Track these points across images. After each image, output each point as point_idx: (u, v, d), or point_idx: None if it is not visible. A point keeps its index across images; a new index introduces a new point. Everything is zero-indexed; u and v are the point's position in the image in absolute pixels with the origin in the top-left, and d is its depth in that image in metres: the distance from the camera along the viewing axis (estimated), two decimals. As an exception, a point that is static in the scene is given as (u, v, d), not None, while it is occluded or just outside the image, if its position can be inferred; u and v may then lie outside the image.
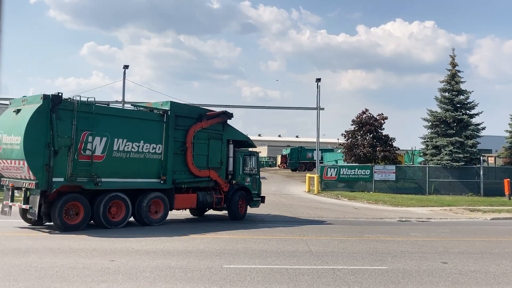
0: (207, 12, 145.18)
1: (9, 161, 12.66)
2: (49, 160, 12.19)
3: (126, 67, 29.86)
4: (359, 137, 33.42)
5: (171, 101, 15.36)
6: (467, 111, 31.55)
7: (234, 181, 17.15)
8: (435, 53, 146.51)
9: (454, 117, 30.71)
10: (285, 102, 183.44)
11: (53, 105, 12.26)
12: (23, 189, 12.70)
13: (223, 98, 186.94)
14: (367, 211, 21.02)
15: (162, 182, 14.70)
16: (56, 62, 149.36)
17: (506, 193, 26.83)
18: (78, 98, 12.90)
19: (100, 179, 13.17)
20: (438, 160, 30.34)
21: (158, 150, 14.61)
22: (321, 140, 33.46)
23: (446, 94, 31.84)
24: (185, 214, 17.61)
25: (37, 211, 12.36)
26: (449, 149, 29.79)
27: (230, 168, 16.97)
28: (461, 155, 29.50)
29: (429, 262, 10.10)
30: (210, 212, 17.92)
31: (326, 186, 29.28)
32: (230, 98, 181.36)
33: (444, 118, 30.97)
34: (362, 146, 32.36)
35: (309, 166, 54.00)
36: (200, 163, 15.75)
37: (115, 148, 13.57)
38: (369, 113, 33.87)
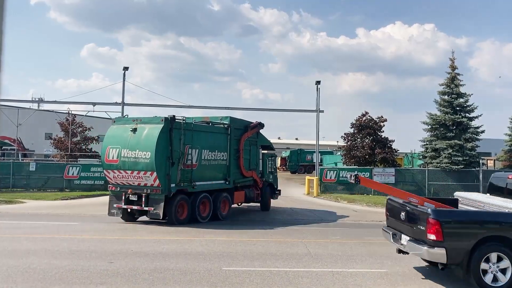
0: (208, 14, 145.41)
1: (129, 171, 14.85)
2: (169, 170, 14.76)
3: (126, 68, 29.83)
4: (358, 139, 33.42)
5: (230, 117, 18.38)
6: (467, 114, 31.47)
7: (263, 179, 20.61)
8: (436, 56, 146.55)
9: (453, 120, 30.67)
10: (286, 104, 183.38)
11: (171, 125, 14.86)
12: (144, 194, 14.90)
13: (223, 100, 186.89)
14: (366, 214, 20.99)
15: (227, 183, 17.72)
16: (56, 64, 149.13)
17: (505, 196, 26.85)
18: (183, 118, 15.75)
19: (195, 183, 15.91)
20: (437, 163, 30.30)
21: (225, 157, 17.69)
22: (320, 142, 33.39)
23: (446, 97, 31.78)
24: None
25: (161, 212, 14.76)
26: (448, 152, 29.75)
27: (260, 168, 20.50)
28: (460, 158, 29.47)
29: (428, 265, 10.10)
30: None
31: (326, 188, 29.23)
32: (230, 100, 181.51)
33: (443, 121, 30.93)
34: (362, 149, 32.36)
35: (309, 168, 54.02)
36: (246, 165, 18.96)
37: (203, 157, 16.49)
38: (368, 115, 33.85)
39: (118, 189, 15.47)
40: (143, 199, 14.93)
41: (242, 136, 18.63)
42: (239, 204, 19.92)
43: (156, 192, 14.77)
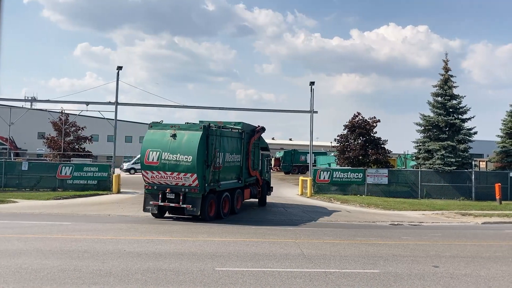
0: (203, 14, 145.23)
1: (169, 172, 16.37)
2: (204, 172, 16.42)
3: (119, 68, 29.60)
4: (351, 140, 33.49)
5: (242, 122, 20.39)
6: (459, 116, 31.64)
7: (262, 177, 22.64)
8: (429, 57, 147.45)
9: (446, 121, 30.84)
10: (280, 105, 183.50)
11: (207, 132, 16.60)
12: (181, 193, 16.49)
13: (217, 100, 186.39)
14: (359, 215, 21.06)
15: (240, 182, 19.76)
16: (49, 63, 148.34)
17: (497, 197, 26.95)
18: (213, 125, 17.62)
19: (220, 183, 17.64)
20: (430, 164, 30.45)
21: (239, 159, 19.67)
22: (314, 143, 33.39)
23: (439, 98, 31.95)
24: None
25: (199, 209, 16.41)
26: (441, 153, 29.90)
27: (260, 167, 22.37)
28: (453, 160, 29.62)
29: (420, 266, 10.16)
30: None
31: (319, 189, 29.26)
32: (224, 101, 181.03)
33: (436, 123, 31.10)
34: (354, 149, 32.43)
35: (302, 169, 54.11)
36: (252, 166, 20.95)
37: (226, 160, 18.24)
38: (361, 116, 33.93)
39: (155, 188, 16.92)
40: (181, 197, 16.49)
41: (250, 139, 20.69)
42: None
43: (194, 191, 16.47)
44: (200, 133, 16.44)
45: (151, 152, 16.64)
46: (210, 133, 16.85)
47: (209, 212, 17.04)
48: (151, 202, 17.03)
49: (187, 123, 17.43)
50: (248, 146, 20.36)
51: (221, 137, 17.73)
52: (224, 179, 18.02)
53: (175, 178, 16.36)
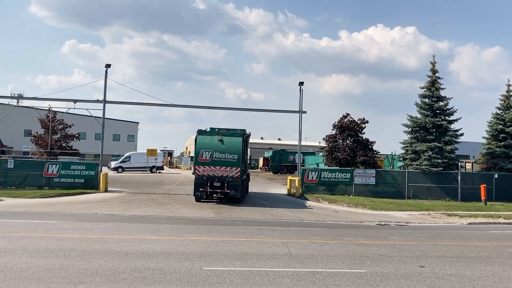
0: (193, 12, 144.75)
1: (218, 167, 22.21)
2: (242, 166, 22.59)
3: (108, 66, 29.33)
4: (340, 141, 33.61)
5: (245, 129, 25.32)
6: (446, 117, 31.95)
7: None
8: (417, 59, 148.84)
9: (433, 122, 31.13)
10: (269, 104, 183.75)
11: (244, 137, 23.13)
12: (226, 182, 22.25)
13: (206, 99, 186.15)
14: (347, 215, 21.18)
15: (245, 175, 25.49)
16: (36, 59, 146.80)
17: (482, 198, 27.29)
18: (246, 133, 24.61)
19: (243, 175, 23.38)
20: (417, 165, 30.71)
21: (246, 157, 26.04)
22: (303, 143, 33.46)
23: (426, 100, 32.23)
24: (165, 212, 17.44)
25: (239, 193, 22.51)
26: (428, 154, 30.18)
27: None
28: (439, 161, 29.91)
29: (406, 266, 10.25)
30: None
31: (307, 189, 29.33)
32: (213, 100, 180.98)
33: (423, 124, 31.38)
34: (343, 150, 32.56)
35: (291, 168, 54.24)
36: (247, 163, 28.73)
37: (244, 158, 24.09)
38: (350, 117, 34.05)
39: (204, 178, 22.38)
40: (225, 185, 22.26)
41: (247, 142, 25.96)
42: None
43: (235, 180, 22.34)
44: (241, 138, 22.82)
45: (204, 152, 22.30)
46: (245, 139, 23.26)
47: (242, 195, 23.21)
48: (201, 189, 22.48)
49: (235, 132, 23.49)
50: (246, 147, 25.69)
51: (245, 142, 23.92)
52: (243, 173, 23.37)
53: (223, 171, 22.15)
